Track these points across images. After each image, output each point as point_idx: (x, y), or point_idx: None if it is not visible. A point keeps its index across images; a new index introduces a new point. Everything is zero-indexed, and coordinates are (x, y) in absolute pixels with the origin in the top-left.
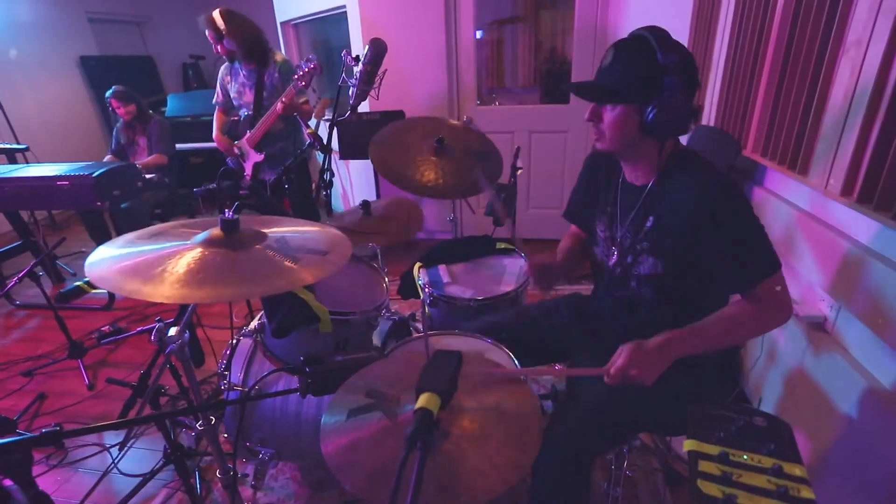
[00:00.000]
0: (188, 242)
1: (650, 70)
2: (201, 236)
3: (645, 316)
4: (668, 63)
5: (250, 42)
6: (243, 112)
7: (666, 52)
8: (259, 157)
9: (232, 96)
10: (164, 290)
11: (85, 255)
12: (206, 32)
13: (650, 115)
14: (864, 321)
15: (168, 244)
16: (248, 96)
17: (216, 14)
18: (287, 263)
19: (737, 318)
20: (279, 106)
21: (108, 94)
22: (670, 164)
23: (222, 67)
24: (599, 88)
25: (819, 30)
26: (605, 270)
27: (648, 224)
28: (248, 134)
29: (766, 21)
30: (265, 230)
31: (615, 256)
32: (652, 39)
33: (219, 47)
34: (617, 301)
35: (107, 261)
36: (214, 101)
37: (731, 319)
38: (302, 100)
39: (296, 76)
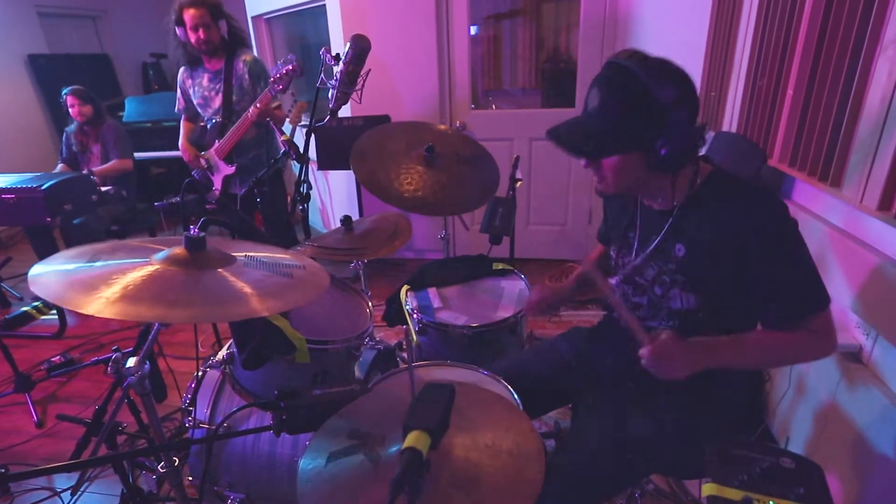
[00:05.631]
0: (147, 259)
1: (650, 113)
2: (162, 254)
3: None
4: (667, 99)
5: (239, 28)
6: (212, 119)
7: (661, 87)
8: (230, 170)
9: (196, 102)
10: (112, 307)
11: None
12: (190, 14)
13: (659, 154)
14: None
15: (124, 261)
16: (216, 101)
17: None
18: (248, 290)
19: (783, 345)
20: (252, 112)
21: (65, 90)
22: (701, 188)
23: (180, 71)
24: (591, 140)
25: (853, 27)
26: (621, 295)
27: (679, 253)
28: (216, 144)
29: (793, 16)
30: (234, 253)
31: (619, 279)
32: (640, 73)
33: (201, 32)
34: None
35: (54, 273)
36: (177, 109)
37: (777, 345)
38: (275, 104)
39: (272, 79)
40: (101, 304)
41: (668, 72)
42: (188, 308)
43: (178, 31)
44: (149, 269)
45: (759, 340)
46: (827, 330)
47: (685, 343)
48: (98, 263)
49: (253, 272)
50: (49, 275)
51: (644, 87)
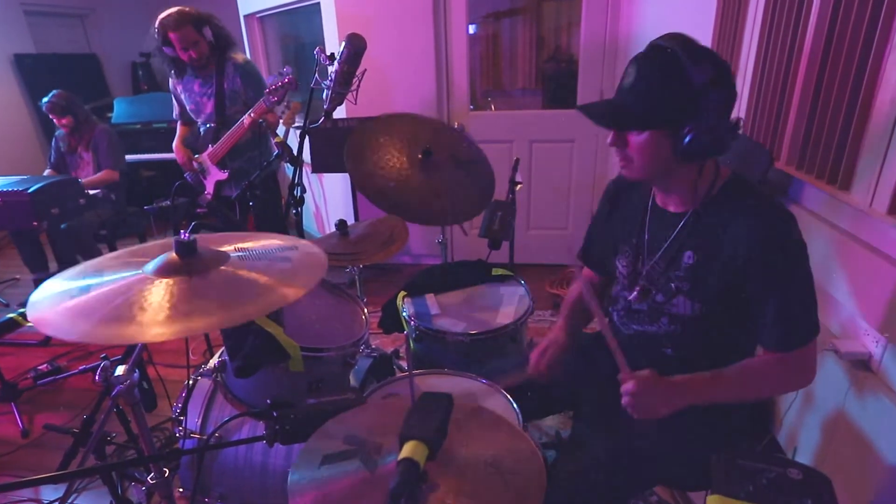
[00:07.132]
0: (140, 272)
1: (682, 91)
2: (153, 264)
3: (672, 353)
4: (703, 80)
5: (222, 28)
6: (206, 124)
7: (698, 68)
8: (222, 175)
9: (188, 109)
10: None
11: (19, 282)
12: (176, 36)
13: (686, 140)
14: None
15: (117, 275)
16: (208, 107)
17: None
18: (264, 280)
19: (762, 373)
20: (247, 121)
21: (43, 102)
22: (719, 192)
23: (171, 79)
24: (621, 113)
25: (862, 27)
26: (623, 303)
27: (688, 260)
28: (210, 148)
29: (801, 16)
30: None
31: (636, 292)
32: (680, 52)
33: (192, 52)
34: (638, 335)
35: (51, 305)
36: (174, 115)
37: (757, 374)
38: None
39: (267, 90)
40: (138, 329)
41: (708, 54)
42: (215, 314)
43: (165, 49)
44: (157, 284)
45: (740, 374)
46: (809, 360)
47: (665, 383)
48: (103, 277)
49: (254, 263)
50: (47, 309)
51: (680, 64)
